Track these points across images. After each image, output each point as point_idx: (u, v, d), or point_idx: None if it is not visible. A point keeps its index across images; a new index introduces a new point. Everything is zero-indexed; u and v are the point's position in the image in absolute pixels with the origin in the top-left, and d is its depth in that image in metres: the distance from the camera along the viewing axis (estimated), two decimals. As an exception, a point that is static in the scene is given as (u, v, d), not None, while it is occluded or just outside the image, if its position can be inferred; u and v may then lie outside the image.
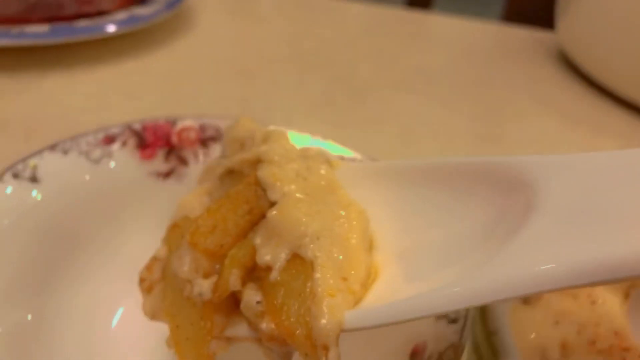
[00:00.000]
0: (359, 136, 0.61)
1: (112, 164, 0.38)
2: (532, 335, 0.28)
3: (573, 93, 0.77)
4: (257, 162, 0.31)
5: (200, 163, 0.41)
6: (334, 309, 0.25)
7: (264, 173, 0.29)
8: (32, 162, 0.35)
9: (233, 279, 0.27)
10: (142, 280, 0.33)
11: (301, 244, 0.26)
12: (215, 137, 0.41)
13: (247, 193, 0.29)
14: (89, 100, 0.60)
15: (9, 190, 0.33)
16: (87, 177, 0.37)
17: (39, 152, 0.36)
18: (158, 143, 0.40)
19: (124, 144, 0.39)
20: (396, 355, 0.29)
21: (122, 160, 0.39)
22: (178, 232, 0.32)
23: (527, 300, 0.30)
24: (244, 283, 0.27)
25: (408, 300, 0.24)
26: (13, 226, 0.33)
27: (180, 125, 0.41)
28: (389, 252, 0.29)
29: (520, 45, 0.90)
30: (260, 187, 0.29)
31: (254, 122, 0.36)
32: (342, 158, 0.41)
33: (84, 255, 0.36)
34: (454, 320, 0.29)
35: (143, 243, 0.37)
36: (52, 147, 0.36)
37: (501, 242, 0.23)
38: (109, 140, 0.39)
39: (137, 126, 0.40)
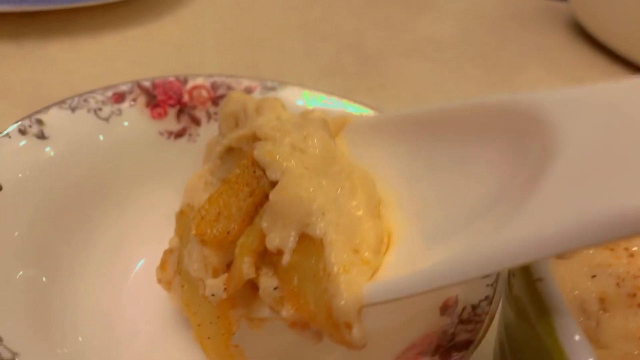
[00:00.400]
0: (369, 103, 0.59)
1: (122, 121, 0.37)
2: (569, 289, 0.27)
3: (586, 60, 0.75)
4: (253, 137, 0.30)
5: (212, 123, 0.39)
6: (350, 286, 0.24)
7: (260, 152, 0.28)
8: (40, 118, 0.34)
9: (246, 267, 0.27)
10: (159, 281, 0.33)
11: (308, 223, 0.25)
12: (228, 96, 0.40)
13: (246, 175, 0.29)
14: (93, 66, 0.59)
15: (22, 143, 0.32)
16: (97, 135, 0.35)
17: (45, 109, 0.34)
18: (169, 101, 0.38)
19: (134, 101, 0.37)
20: (426, 311, 0.28)
21: (132, 118, 0.37)
22: (184, 219, 0.32)
23: (563, 253, 0.29)
24: (257, 268, 0.27)
25: (429, 269, 0.23)
26: (27, 181, 0.31)
27: (191, 83, 0.39)
28: (404, 212, 0.28)
29: (532, 13, 0.88)
30: (258, 167, 0.28)
31: (244, 94, 0.35)
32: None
33: (96, 213, 0.35)
34: (485, 274, 0.28)
35: (156, 201, 0.37)
36: (60, 104, 0.35)
37: (522, 196, 0.21)
38: (118, 97, 0.37)
39: (147, 84, 0.38)
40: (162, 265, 0.33)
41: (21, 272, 0.29)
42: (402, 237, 0.27)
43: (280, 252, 0.26)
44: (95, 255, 0.34)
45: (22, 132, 0.33)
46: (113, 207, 0.36)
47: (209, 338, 0.29)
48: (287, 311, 0.25)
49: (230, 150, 0.32)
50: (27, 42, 0.60)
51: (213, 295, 0.28)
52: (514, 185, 0.23)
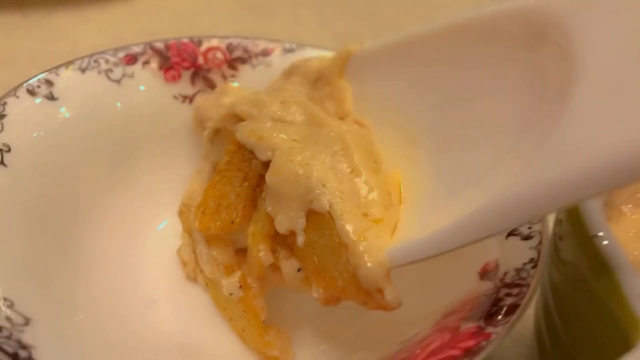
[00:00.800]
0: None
1: (135, 84, 0.35)
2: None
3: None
4: (234, 116, 0.29)
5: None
6: (371, 252, 0.23)
7: (243, 134, 0.27)
8: (49, 79, 0.32)
9: (263, 255, 0.26)
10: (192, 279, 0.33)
11: (312, 199, 0.25)
12: (244, 59, 0.38)
13: (236, 160, 0.28)
14: (101, 37, 0.57)
15: (38, 101, 0.31)
16: (110, 96, 0.34)
17: (54, 69, 0.33)
18: (183, 64, 0.36)
19: (146, 63, 0.36)
20: (463, 276, 0.27)
21: (145, 81, 0.35)
22: (186, 218, 0.32)
23: (608, 217, 0.27)
24: (274, 252, 0.27)
25: (456, 224, 0.21)
26: (42, 140, 0.30)
27: (205, 45, 0.37)
28: (425, 150, 0.26)
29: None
30: (245, 149, 0.28)
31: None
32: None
33: (112, 177, 0.34)
34: (527, 237, 0.26)
35: (174, 166, 0.36)
36: (68, 65, 0.34)
37: (550, 126, 0.19)
38: (130, 59, 0.35)
39: (160, 45, 0.36)
40: (184, 265, 0.32)
41: (36, 237, 0.28)
42: (424, 182, 0.25)
43: (293, 234, 0.25)
44: (114, 220, 0.33)
45: (31, 92, 0.31)
46: (129, 171, 0.35)
47: (243, 330, 0.29)
48: (316, 292, 0.25)
49: (217, 132, 0.31)
50: (33, 12, 0.59)
51: (231, 294, 0.28)
52: (540, 111, 0.20)
